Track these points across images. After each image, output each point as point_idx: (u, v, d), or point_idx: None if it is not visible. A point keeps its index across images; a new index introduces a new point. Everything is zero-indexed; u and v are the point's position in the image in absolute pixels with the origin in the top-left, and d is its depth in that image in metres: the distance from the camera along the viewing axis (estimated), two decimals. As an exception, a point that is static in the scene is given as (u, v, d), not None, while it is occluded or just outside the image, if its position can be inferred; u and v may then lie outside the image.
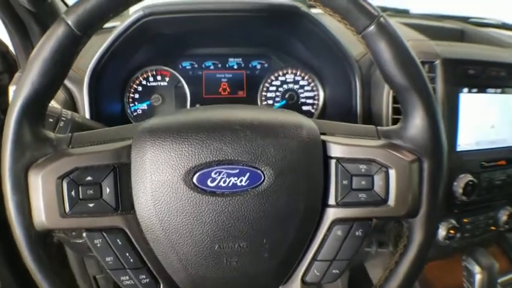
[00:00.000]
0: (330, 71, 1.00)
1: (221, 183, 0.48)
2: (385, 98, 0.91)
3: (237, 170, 0.48)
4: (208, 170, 0.48)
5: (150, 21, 0.85)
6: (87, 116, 0.90)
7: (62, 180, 0.47)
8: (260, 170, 0.49)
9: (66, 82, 0.93)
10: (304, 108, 1.07)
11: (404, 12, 1.51)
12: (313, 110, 1.07)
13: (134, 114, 1.06)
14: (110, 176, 0.49)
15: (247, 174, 0.48)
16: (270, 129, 0.50)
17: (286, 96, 1.05)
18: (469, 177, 0.96)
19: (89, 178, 0.48)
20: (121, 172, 0.49)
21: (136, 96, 1.05)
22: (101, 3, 0.47)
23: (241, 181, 0.48)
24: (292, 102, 1.05)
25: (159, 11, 0.86)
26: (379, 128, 0.56)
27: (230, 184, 0.48)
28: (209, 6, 0.86)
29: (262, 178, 0.49)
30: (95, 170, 0.49)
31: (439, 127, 0.51)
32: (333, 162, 0.52)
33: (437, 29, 1.27)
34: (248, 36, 1.02)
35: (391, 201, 0.51)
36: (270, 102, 1.06)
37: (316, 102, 1.07)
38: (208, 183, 0.48)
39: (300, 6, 0.85)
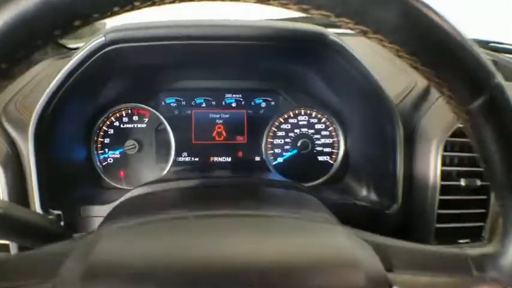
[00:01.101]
0: (356, 114, 0.77)
1: None
2: (433, 157, 0.68)
3: None
4: None
5: (114, 50, 0.61)
6: (34, 172, 0.65)
7: None
8: None
9: (8, 127, 0.68)
10: (320, 158, 0.83)
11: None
12: (331, 161, 0.83)
13: (104, 164, 0.81)
14: None
15: None
16: (305, 280, 0.27)
17: (299, 144, 0.81)
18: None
19: None
20: None
21: (107, 141, 0.81)
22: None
23: None
24: (306, 152, 0.81)
25: (125, 37, 0.61)
26: (469, 251, 0.34)
27: None
28: (201, 31, 0.62)
29: None
30: None
31: None
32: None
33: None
34: (252, 67, 0.78)
35: None
36: (278, 150, 0.82)
37: (335, 151, 0.83)
38: None
39: (327, 33, 0.62)
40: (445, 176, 0.69)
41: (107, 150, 0.81)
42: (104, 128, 0.81)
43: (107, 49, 0.61)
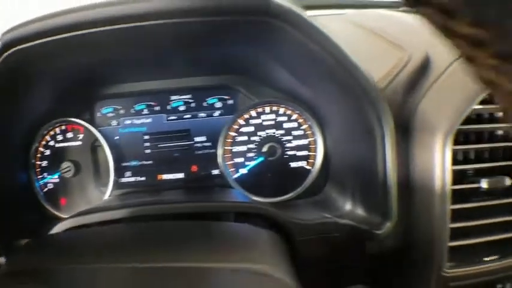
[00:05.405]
0: (332, 105, 0.53)
1: None
2: (439, 153, 0.44)
3: None
4: None
5: (16, 54, 0.42)
6: None
7: None
8: None
9: None
10: (294, 164, 0.59)
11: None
12: (308, 167, 0.59)
13: (44, 190, 0.63)
14: None
15: None
16: None
17: (264, 149, 0.58)
18: None
19: None
20: None
21: (44, 164, 0.62)
22: None
23: None
24: (275, 158, 0.58)
25: (24, 35, 0.42)
26: None
27: None
28: (108, 12, 0.41)
29: None
30: None
31: None
32: None
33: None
34: (199, 58, 0.56)
35: None
36: (240, 160, 0.60)
37: (312, 153, 0.59)
38: None
39: (272, 1, 0.39)
40: (457, 177, 0.44)
41: (46, 174, 0.62)
42: (40, 149, 0.62)
43: (5, 54, 0.42)
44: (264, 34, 0.43)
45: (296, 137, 0.59)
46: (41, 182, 0.63)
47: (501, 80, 0.14)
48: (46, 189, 0.63)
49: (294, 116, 0.59)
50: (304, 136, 0.59)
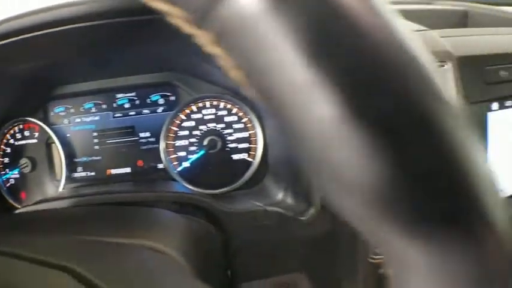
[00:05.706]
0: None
1: None
2: None
3: None
4: None
5: None
6: None
7: None
8: None
9: None
10: (236, 157, 0.61)
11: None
12: (250, 159, 0.61)
13: (7, 185, 0.67)
14: None
15: None
16: None
17: (205, 142, 0.60)
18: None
19: None
20: None
21: (6, 160, 0.66)
22: None
23: None
24: (216, 151, 0.60)
25: None
26: None
27: None
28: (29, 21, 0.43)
29: None
30: None
31: None
32: None
33: (434, 13, 0.74)
34: (138, 57, 0.57)
35: None
36: (183, 154, 0.62)
37: (253, 146, 0.61)
38: None
39: None
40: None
41: (7, 170, 0.66)
42: (2, 146, 0.65)
43: None
44: (179, 32, 0.44)
45: (237, 130, 0.61)
46: (4, 178, 0.67)
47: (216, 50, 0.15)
48: (8, 184, 0.67)
49: (234, 110, 0.61)
50: (245, 129, 0.61)
